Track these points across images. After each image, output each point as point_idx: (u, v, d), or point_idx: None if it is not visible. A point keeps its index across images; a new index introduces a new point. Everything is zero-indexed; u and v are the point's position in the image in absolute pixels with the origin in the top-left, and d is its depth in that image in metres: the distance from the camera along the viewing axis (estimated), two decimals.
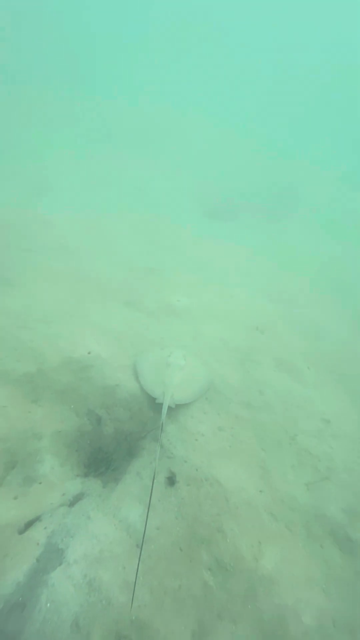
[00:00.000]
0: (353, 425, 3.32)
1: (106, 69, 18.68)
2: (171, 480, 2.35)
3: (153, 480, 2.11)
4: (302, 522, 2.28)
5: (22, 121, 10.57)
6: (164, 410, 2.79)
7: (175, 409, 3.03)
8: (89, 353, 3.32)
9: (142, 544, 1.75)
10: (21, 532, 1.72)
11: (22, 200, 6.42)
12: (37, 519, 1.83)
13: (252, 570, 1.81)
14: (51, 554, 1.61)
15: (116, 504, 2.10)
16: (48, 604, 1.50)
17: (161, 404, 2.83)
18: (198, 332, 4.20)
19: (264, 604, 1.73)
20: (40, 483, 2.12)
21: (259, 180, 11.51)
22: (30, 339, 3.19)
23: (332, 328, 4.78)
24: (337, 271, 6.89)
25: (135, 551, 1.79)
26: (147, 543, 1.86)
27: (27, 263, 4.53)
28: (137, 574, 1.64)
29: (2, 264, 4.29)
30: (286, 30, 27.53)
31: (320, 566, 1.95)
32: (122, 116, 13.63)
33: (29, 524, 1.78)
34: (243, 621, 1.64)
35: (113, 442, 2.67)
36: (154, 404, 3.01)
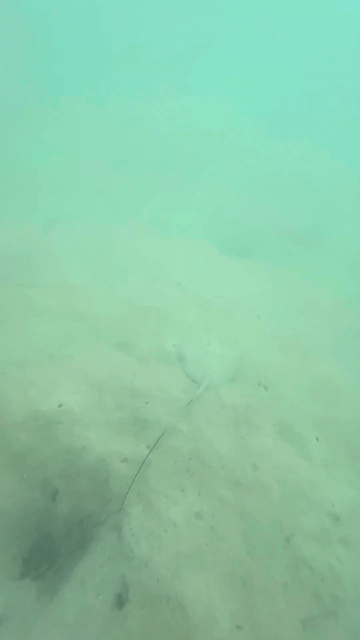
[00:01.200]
0: None
1: (127, 88, 19.38)
2: (121, 600, 1.83)
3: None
4: None
5: (36, 148, 11.30)
6: (200, 390, 3.53)
7: (148, 485, 2.56)
8: (59, 406, 2.98)
9: None
10: None
11: (30, 231, 6.59)
12: None
13: None
14: None
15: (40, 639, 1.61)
16: None
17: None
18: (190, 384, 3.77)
19: None
20: None
21: (280, 213, 11.22)
22: None
23: (352, 391, 4.15)
24: None
25: None
26: None
27: (21, 300, 4.43)
28: None
29: None
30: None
31: None
32: (143, 142, 14.21)
33: None
34: None
35: (65, 526, 2.23)
36: (121, 475, 2.56)
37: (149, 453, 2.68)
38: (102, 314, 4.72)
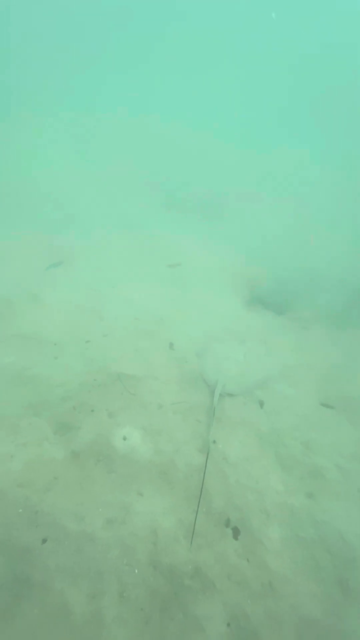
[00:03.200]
0: None
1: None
2: None
3: None
4: None
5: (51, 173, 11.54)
6: (216, 397, 3.66)
7: None
8: None
9: None
10: None
11: (30, 270, 6.40)
12: None
13: None
14: None
15: None
16: None
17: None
18: (126, 511, 2.65)
19: None
20: None
21: (336, 258, 9.30)
22: None
23: None
24: None
25: None
26: None
27: None
28: None
29: None
30: None
31: None
32: (170, 171, 13.88)
33: None
34: None
35: None
36: None
37: None
38: (58, 381, 3.97)
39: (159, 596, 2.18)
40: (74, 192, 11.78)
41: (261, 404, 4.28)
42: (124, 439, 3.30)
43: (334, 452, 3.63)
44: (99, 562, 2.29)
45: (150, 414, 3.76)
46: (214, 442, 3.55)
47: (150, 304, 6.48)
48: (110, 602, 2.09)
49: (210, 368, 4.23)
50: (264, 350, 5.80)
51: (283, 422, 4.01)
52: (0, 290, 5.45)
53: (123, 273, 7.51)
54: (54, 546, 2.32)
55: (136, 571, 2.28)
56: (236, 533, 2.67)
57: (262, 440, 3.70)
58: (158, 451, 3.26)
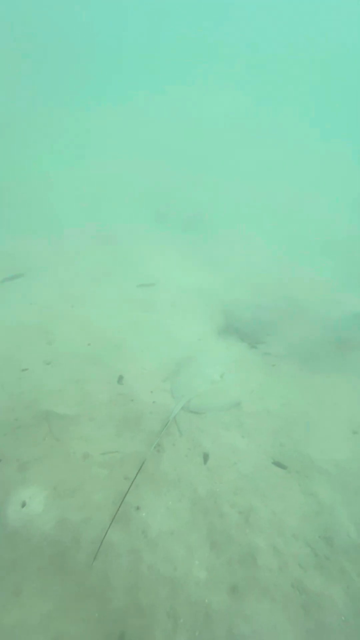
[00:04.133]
0: None
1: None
2: None
3: None
4: None
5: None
6: (176, 409, 3.81)
7: None
8: None
9: None
10: None
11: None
12: None
13: None
14: None
15: None
16: None
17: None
18: None
19: None
20: None
21: (333, 288, 8.63)
22: None
23: None
24: None
25: None
26: None
27: None
28: None
29: None
30: None
31: None
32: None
33: None
34: None
35: None
36: None
37: None
38: None
39: None
40: (62, 196, 11.47)
41: (205, 458, 3.81)
42: (23, 505, 2.78)
43: (274, 529, 3.15)
44: None
45: (71, 466, 3.25)
46: (138, 508, 3.06)
47: (109, 328, 6.03)
48: None
49: (182, 383, 4.36)
50: (223, 392, 5.35)
51: (225, 483, 3.53)
52: None
53: (88, 290, 7.08)
54: None
55: None
56: None
57: (195, 507, 3.21)
58: (62, 522, 2.75)
